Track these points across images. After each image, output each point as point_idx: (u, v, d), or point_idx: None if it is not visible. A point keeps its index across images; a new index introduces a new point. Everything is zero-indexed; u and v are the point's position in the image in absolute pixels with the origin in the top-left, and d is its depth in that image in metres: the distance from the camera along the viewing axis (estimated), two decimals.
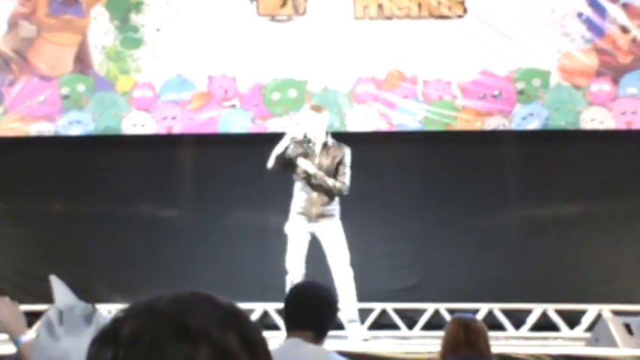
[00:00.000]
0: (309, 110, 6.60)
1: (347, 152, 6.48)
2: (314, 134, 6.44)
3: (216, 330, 0.86)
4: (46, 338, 2.20)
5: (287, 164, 6.44)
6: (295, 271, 6.27)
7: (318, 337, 3.04)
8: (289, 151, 6.39)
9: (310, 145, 6.45)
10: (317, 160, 6.42)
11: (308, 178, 6.40)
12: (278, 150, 6.39)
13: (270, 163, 6.40)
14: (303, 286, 3.23)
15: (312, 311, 3.05)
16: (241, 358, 0.85)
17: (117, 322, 0.88)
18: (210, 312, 0.88)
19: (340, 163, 6.45)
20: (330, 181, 6.38)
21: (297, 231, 6.40)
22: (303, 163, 6.38)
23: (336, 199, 6.45)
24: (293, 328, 3.02)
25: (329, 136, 6.55)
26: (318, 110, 6.54)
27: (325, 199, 6.40)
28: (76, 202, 7.93)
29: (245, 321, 0.90)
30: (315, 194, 6.39)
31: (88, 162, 7.93)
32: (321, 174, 6.37)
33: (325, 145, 6.47)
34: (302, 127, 6.49)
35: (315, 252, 6.45)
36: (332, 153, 6.46)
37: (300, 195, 6.43)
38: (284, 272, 6.36)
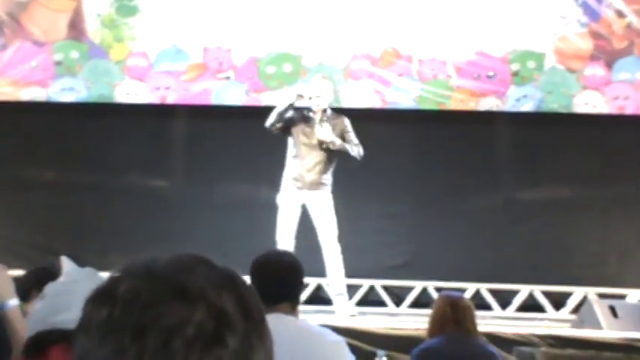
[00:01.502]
0: (321, 79, 6.57)
1: (347, 120, 6.49)
2: (319, 102, 6.41)
3: (213, 292, 0.86)
4: (53, 299, 2.21)
5: (285, 128, 6.40)
6: (285, 244, 6.27)
7: (294, 307, 3.03)
8: (290, 115, 6.36)
9: (310, 113, 6.43)
10: (315, 129, 6.41)
11: (308, 146, 6.38)
12: (280, 107, 6.36)
13: (270, 120, 6.37)
14: (264, 258, 3.18)
15: (281, 281, 3.03)
16: (236, 320, 0.86)
17: (113, 281, 0.88)
18: (207, 274, 0.88)
19: (344, 131, 6.45)
20: (348, 146, 6.39)
21: (288, 203, 6.40)
22: (321, 133, 6.35)
23: (330, 170, 6.44)
24: (268, 303, 2.98)
25: (328, 107, 6.54)
26: (326, 79, 6.56)
27: (320, 167, 6.39)
28: (66, 170, 7.91)
29: (241, 285, 0.90)
30: (310, 162, 6.38)
31: (80, 130, 7.90)
32: (340, 142, 6.36)
33: (324, 114, 6.46)
34: (310, 90, 6.46)
35: (306, 223, 6.46)
36: (331, 123, 6.45)
37: (295, 162, 6.41)
38: (274, 244, 6.37)
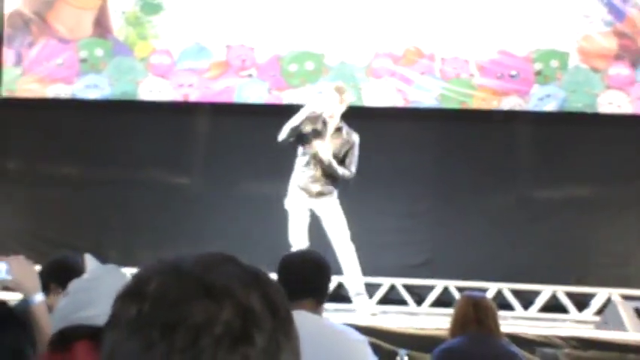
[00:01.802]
0: (333, 91, 6.54)
1: (357, 141, 6.48)
2: (331, 114, 6.41)
3: (240, 290, 0.87)
4: (76, 295, 2.23)
5: (298, 138, 6.43)
6: (299, 245, 6.29)
7: (318, 304, 3.04)
8: (302, 127, 6.39)
9: (324, 125, 6.44)
10: (327, 145, 6.42)
11: (316, 158, 6.40)
12: (294, 122, 6.38)
13: (283, 135, 6.39)
14: (292, 256, 3.21)
15: (309, 278, 3.05)
16: (264, 318, 0.86)
17: (142, 278, 0.89)
18: (234, 272, 0.89)
19: (349, 150, 6.45)
20: (340, 171, 6.40)
21: (297, 206, 6.44)
22: (321, 149, 6.37)
23: (337, 180, 6.48)
24: (293, 299, 3.00)
25: (342, 121, 6.52)
26: (340, 92, 6.49)
27: (327, 178, 6.43)
28: (90, 166, 7.96)
29: (267, 283, 0.91)
30: (318, 172, 6.41)
31: (104, 126, 7.95)
32: (334, 165, 6.38)
33: (338, 128, 6.46)
34: (322, 106, 6.46)
35: (319, 227, 6.47)
36: (343, 138, 6.45)
37: (304, 171, 6.45)
38: (289, 246, 6.39)
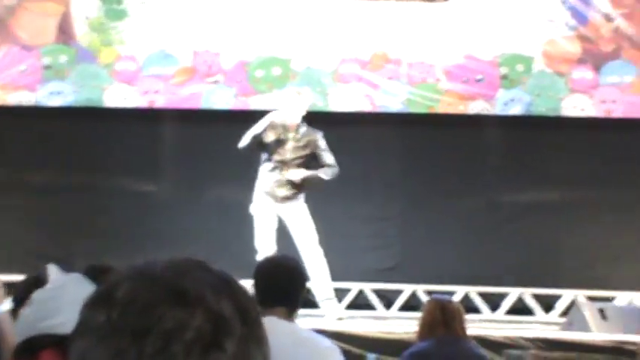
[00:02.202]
0: (293, 95, 6.58)
1: (320, 137, 6.51)
2: (291, 120, 6.44)
3: (211, 296, 0.86)
4: (40, 304, 2.21)
5: (258, 145, 6.45)
6: (265, 251, 6.28)
7: (291, 312, 3.04)
8: (263, 135, 6.40)
9: (283, 129, 6.45)
10: (289, 148, 6.43)
11: (281, 162, 6.41)
12: (255, 130, 6.39)
13: (244, 143, 6.42)
14: (269, 262, 3.20)
15: (282, 286, 3.04)
16: (234, 325, 0.86)
17: (111, 284, 0.88)
18: (205, 278, 0.88)
19: (317, 149, 6.47)
20: (321, 174, 6.43)
21: (263, 211, 6.45)
22: (293, 176, 6.38)
23: (304, 172, 6.47)
24: (265, 305, 2.98)
25: (303, 122, 6.54)
26: (300, 94, 6.56)
27: (292, 183, 6.43)
28: (56, 174, 7.88)
29: (238, 289, 0.90)
30: (284, 177, 6.42)
31: (69, 134, 7.87)
32: (310, 174, 6.39)
33: (298, 130, 6.47)
34: (283, 114, 6.48)
35: (285, 232, 6.47)
36: (305, 138, 6.47)
37: (269, 176, 6.46)
38: (256, 252, 6.38)
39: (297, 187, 6.46)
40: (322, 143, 6.49)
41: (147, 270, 0.88)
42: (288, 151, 6.42)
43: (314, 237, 6.42)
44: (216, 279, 0.89)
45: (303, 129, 6.50)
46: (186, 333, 0.83)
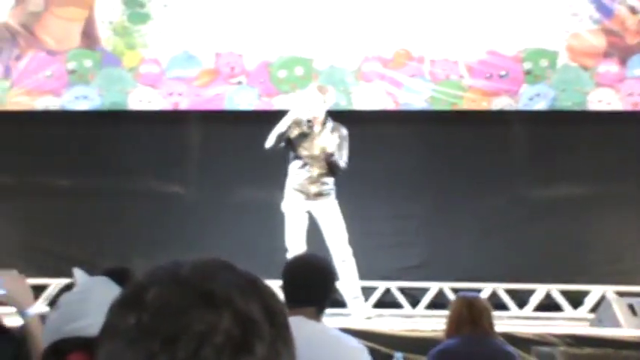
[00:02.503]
0: (314, 90, 6.59)
1: (345, 133, 6.49)
2: (315, 115, 6.44)
3: (239, 298, 0.86)
4: (67, 307, 2.22)
5: (285, 143, 6.45)
6: (295, 249, 6.29)
7: (319, 312, 3.02)
8: (289, 132, 6.41)
9: (309, 125, 6.45)
10: (316, 141, 6.43)
11: (310, 158, 6.41)
12: (279, 129, 6.40)
13: (270, 142, 6.41)
14: (299, 261, 3.16)
15: (311, 286, 3.00)
16: (263, 326, 0.86)
17: (140, 287, 0.88)
18: (232, 279, 0.88)
19: (340, 144, 6.46)
20: (340, 165, 6.42)
21: (294, 209, 6.43)
22: (326, 141, 6.35)
23: (333, 179, 6.47)
24: (294, 305, 2.97)
25: (328, 117, 6.54)
26: (322, 91, 6.54)
27: (323, 178, 6.42)
28: (82, 177, 7.94)
29: (265, 290, 0.90)
30: (314, 173, 6.41)
31: (95, 137, 7.94)
32: (337, 165, 6.39)
33: (324, 125, 6.47)
34: (305, 109, 6.48)
35: (315, 230, 6.46)
36: (331, 134, 6.46)
37: (299, 173, 6.45)
38: (286, 250, 6.37)
39: (329, 182, 6.43)
40: (345, 140, 6.49)
41: (174, 272, 0.88)
42: (315, 147, 6.42)
43: (344, 235, 6.41)
44: (243, 280, 0.89)
45: (330, 124, 6.50)
46: (216, 336, 0.83)
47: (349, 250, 6.41)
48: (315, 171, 6.43)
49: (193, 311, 0.84)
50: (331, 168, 6.42)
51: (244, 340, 0.84)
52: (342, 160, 6.45)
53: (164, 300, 0.85)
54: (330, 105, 6.55)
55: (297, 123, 6.42)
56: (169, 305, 0.85)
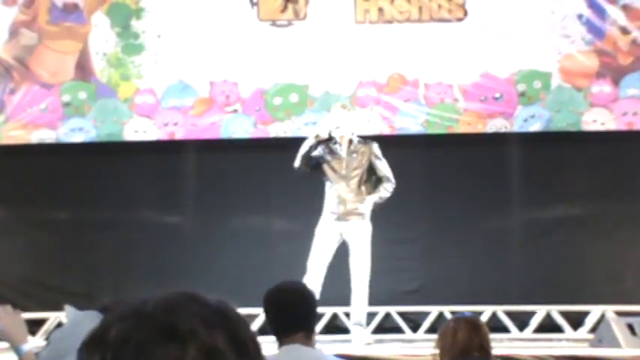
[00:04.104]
0: (337, 108, 6.59)
1: (375, 146, 6.51)
2: (341, 133, 6.43)
3: (203, 330, 0.86)
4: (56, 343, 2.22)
5: (315, 165, 6.43)
6: (315, 274, 6.24)
7: (308, 336, 3.01)
8: (317, 153, 6.39)
9: (336, 144, 6.46)
10: (345, 162, 6.43)
11: (339, 178, 6.38)
12: (303, 149, 6.39)
13: (297, 163, 6.41)
14: (278, 289, 3.17)
15: (295, 312, 3.01)
16: (229, 357, 0.85)
17: (104, 325, 0.88)
18: (197, 312, 0.88)
19: (373, 158, 6.46)
20: (383, 193, 6.41)
21: (323, 231, 6.40)
22: (364, 208, 6.36)
23: (367, 198, 6.43)
24: (284, 334, 2.98)
25: (354, 135, 6.55)
26: (345, 108, 6.57)
27: (354, 197, 6.40)
28: (79, 209, 7.94)
29: (234, 319, 0.89)
30: (345, 193, 6.39)
31: (91, 169, 7.94)
32: (380, 200, 6.38)
33: (351, 143, 6.48)
34: (327, 126, 6.51)
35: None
36: (359, 151, 6.47)
37: (331, 193, 6.45)
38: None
39: (359, 199, 6.41)
40: (378, 152, 6.49)
41: (138, 308, 0.88)
42: (343, 167, 6.42)
43: (365, 261, 6.37)
44: (210, 312, 0.89)
45: (356, 141, 6.51)
46: None
47: (366, 278, 6.37)
48: (344, 191, 6.41)
49: (156, 346, 0.84)
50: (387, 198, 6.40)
51: None
52: (385, 179, 6.41)
53: (126, 336, 0.85)
54: (355, 121, 6.55)
55: (324, 142, 6.42)
56: (131, 341, 0.85)
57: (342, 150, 6.45)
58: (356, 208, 6.39)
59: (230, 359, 0.85)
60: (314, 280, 6.14)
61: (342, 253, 6.45)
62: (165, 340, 0.84)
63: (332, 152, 6.43)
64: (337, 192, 6.40)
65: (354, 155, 6.44)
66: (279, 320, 3.03)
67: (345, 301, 6.52)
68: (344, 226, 6.39)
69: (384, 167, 6.50)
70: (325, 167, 6.42)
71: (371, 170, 6.50)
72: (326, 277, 6.31)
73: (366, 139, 6.60)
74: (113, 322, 0.87)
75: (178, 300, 0.90)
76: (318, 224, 6.47)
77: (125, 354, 0.84)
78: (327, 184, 6.47)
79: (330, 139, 6.46)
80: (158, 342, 0.84)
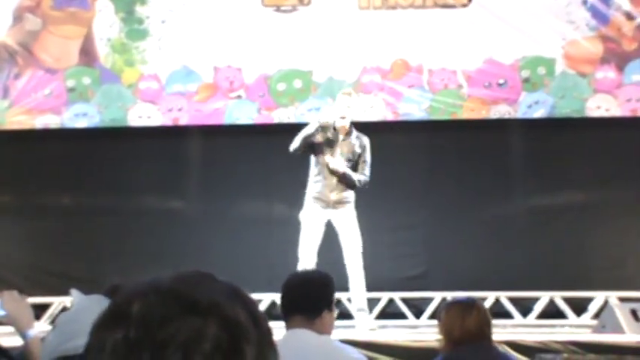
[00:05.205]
0: (344, 97, 6.56)
1: (367, 144, 6.51)
2: (344, 123, 6.42)
3: (225, 303, 0.87)
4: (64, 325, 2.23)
5: (309, 147, 6.43)
6: (307, 260, 6.27)
7: (310, 320, 3.01)
8: (313, 137, 6.39)
9: (334, 132, 6.46)
10: (339, 148, 6.43)
11: (329, 169, 6.40)
12: (306, 132, 6.38)
13: (295, 145, 6.38)
14: (295, 275, 3.25)
15: (302, 294, 3.06)
16: (249, 330, 0.86)
17: (123, 301, 0.88)
18: (215, 287, 0.90)
19: (362, 154, 6.47)
20: (355, 177, 6.41)
21: (311, 219, 6.40)
22: (333, 163, 6.36)
23: (353, 175, 6.45)
24: (284, 318, 3.06)
25: (352, 126, 6.55)
26: (348, 93, 6.56)
27: (343, 186, 6.41)
28: (83, 195, 7.95)
29: (248, 298, 0.91)
30: (334, 180, 6.40)
31: (95, 154, 7.95)
32: (349, 174, 6.37)
33: (348, 133, 6.48)
34: (331, 114, 6.50)
35: (326, 241, 6.45)
36: (353, 143, 6.47)
37: (318, 180, 6.44)
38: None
39: (348, 190, 6.42)
40: (368, 151, 6.50)
41: (156, 284, 0.89)
42: (338, 154, 6.41)
43: (359, 248, 6.39)
44: (225, 287, 0.90)
45: (354, 133, 6.51)
46: (204, 343, 0.84)
47: (361, 263, 6.39)
48: (334, 179, 6.41)
49: (179, 319, 0.84)
50: (346, 185, 6.42)
51: (233, 345, 0.85)
52: (363, 172, 6.44)
53: (149, 311, 0.86)
54: (355, 111, 6.55)
55: (323, 128, 6.42)
56: (155, 315, 0.85)
57: (339, 139, 6.45)
58: (343, 196, 6.41)
59: (250, 332, 0.86)
60: (308, 267, 6.16)
61: (333, 238, 6.45)
62: (187, 313, 0.85)
63: (329, 141, 6.42)
64: (326, 180, 6.40)
65: (350, 145, 6.44)
66: (281, 304, 3.10)
67: (345, 286, 6.53)
68: (333, 213, 6.40)
69: (366, 166, 6.48)
70: (320, 153, 6.42)
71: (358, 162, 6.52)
72: (325, 264, 6.31)
73: (361, 134, 6.56)
74: (132, 299, 0.88)
75: (194, 276, 0.91)
76: (303, 210, 6.46)
77: (149, 329, 0.84)
78: (314, 171, 6.46)
79: (330, 126, 6.45)
80: (181, 315, 0.85)
